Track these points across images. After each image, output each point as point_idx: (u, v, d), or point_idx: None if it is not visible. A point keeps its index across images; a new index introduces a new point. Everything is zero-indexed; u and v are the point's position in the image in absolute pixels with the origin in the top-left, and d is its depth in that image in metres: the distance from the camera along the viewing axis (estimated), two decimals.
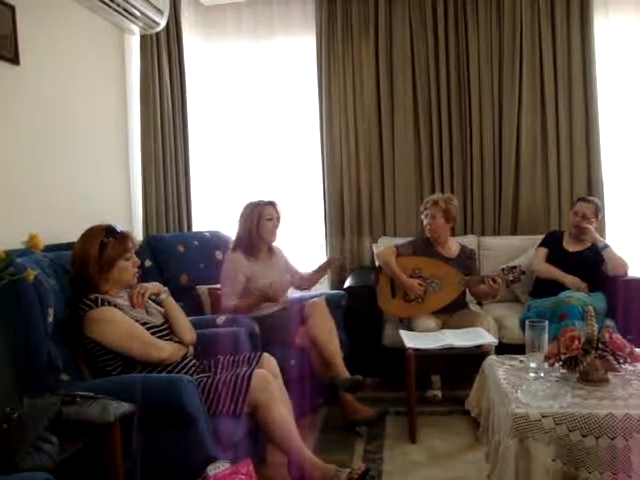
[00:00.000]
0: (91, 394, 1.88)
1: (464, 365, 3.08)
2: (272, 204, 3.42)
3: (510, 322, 3.66)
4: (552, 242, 3.87)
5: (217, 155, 4.78)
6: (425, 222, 3.74)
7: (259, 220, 3.36)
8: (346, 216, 4.59)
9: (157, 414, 2.03)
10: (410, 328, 3.49)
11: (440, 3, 4.40)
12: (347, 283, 4.01)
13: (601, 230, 4.26)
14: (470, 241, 4.19)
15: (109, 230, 2.41)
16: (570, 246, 3.81)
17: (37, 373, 2.11)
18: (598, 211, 3.81)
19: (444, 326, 3.49)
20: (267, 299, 3.25)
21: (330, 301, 3.48)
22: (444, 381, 3.57)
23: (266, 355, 2.61)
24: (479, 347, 3.10)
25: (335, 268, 4.28)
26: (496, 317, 3.70)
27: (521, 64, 4.37)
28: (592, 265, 3.68)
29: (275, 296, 3.24)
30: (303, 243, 4.78)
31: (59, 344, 2.24)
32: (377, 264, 3.94)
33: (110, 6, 3.18)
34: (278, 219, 3.43)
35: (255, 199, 3.47)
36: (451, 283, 3.56)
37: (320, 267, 3.63)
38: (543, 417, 1.87)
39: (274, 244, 3.52)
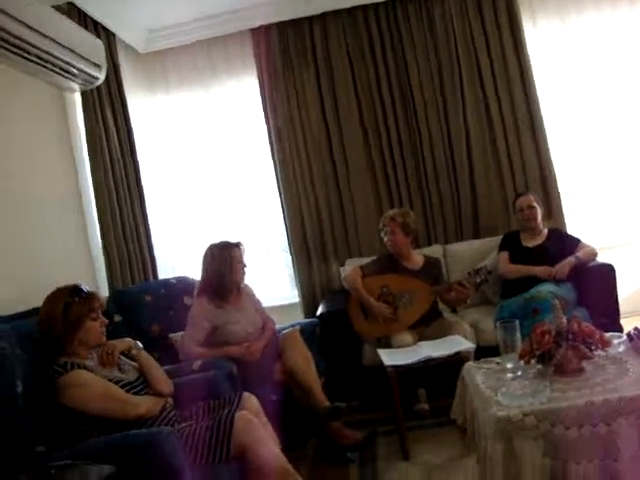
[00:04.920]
0: (69, 462, 1.83)
1: (446, 374, 3.08)
2: (239, 245, 3.36)
3: (485, 325, 3.69)
4: (511, 243, 3.95)
5: (176, 201, 4.77)
6: (386, 239, 3.76)
7: (232, 263, 3.27)
8: (310, 243, 4.60)
9: (141, 472, 1.98)
10: (388, 346, 3.49)
11: (373, 25, 4.51)
12: (320, 310, 4.00)
13: (560, 218, 4.38)
14: (435, 250, 4.24)
15: (74, 290, 2.37)
16: (529, 242, 3.89)
17: (9, 450, 2.04)
18: (537, 198, 3.96)
19: (421, 338, 3.48)
20: (241, 358, 3.15)
21: (304, 330, 3.47)
22: (430, 393, 3.57)
23: (246, 394, 2.57)
24: (458, 354, 3.10)
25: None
26: (471, 322, 3.73)
27: (460, 73, 4.49)
28: (554, 255, 3.75)
29: (251, 358, 3.17)
30: (272, 276, 4.79)
31: (31, 415, 2.18)
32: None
33: (45, 67, 3.16)
34: (244, 260, 3.38)
35: (218, 241, 3.38)
36: (421, 295, 3.58)
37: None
38: (525, 416, 1.88)
39: (243, 283, 3.46)
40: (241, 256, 3.33)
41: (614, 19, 4.49)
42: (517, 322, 2.26)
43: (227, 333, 3.24)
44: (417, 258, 3.81)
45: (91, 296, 2.40)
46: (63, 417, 2.23)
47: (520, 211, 3.92)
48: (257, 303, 3.52)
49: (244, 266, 3.36)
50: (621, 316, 3.68)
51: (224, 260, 3.27)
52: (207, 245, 3.40)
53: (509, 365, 2.21)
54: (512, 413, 1.89)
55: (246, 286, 3.51)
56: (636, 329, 2.37)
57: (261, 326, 3.41)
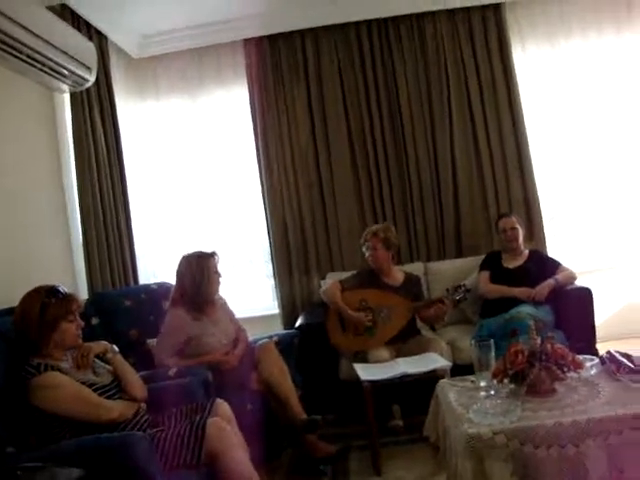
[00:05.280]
0: (39, 464, 1.82)
1: (421, 391, 3.09)
2: (214, 255, 3.32)
3: (463, 343, 3.70)
4: (492, 263, 3.99)
5: (160, 207, 4.76)
6: (367, 254, 3.78)
7: (208, 274, 3.23)
8: (292, 255, 4.61)
9: (112, 475, 1.97)
10: (365, 360, 3.50)
11: (365, 42, 4.57)
12: (299, 321, 4.01)
13: (542, 242, 4.43)
14: (416, 268, 4.26)
15: (51, 291, 2.36)
16: (509, 263, 3.94)
17: None
18: (520, 220, 4.01)
19: (398, 355, 3.49)
20: (217, 366, 3.11)
21: (283, 341, 3.47)
22: (405, 410, 3.57)
23: (219, 401, 2.56)
24: (434, 372, 3.11)
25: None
26: (449, 340, 3.75)
27: (449, 94, 4.56)
28: (534, 276, 3.79)
29: (227, 365, 3.16)
30: (253, 286, 4.79)
31: (2, 415, 2.16)
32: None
33: (35, 66, 3.15)
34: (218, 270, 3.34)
35: (192, 251, 3.32)
36: (399, 311, 3.60)
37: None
38: (495, 434, 1.90)
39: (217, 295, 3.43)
40: (216, 266, 3.30)
41: (600, 46, 4.60)
42: (492, 341, 2.29)
43: (201, 344, 3.20)
44: (397, 274, 3.83)
45: (68, 298, 2.38)
46: (34, 418, 2.21)
47: (502, 232, 3.96)
48: (231, 314, 3.50)
49: (219, 276, 3.33)
50: (598, 341, 3.72)
51: (200, 270, 3.22)
52: (181, 255, 3.34)
53: (482, 383, 2.23)
54: (482, 431, 1.91)
55: (220, 297, 3.47)
56: (609, 352, 2.41)
57: (234, 337, 3.38)
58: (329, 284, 3.90)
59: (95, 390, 2.30)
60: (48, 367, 2.24)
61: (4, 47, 2.81)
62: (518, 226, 3.94)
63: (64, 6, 3.57)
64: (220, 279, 3.33)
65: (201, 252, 3.31)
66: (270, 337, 3.51)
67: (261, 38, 4.58)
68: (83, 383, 2.28)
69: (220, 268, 3.34)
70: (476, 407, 2.05)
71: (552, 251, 4.41)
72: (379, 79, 4.57)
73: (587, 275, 4.16)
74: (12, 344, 2.33)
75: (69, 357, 2.39)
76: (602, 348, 3.45)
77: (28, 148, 3.39)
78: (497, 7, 4.51)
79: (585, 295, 3.69)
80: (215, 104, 4.76)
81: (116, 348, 2.56)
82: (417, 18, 4.56)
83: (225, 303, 3.51)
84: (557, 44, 4.60)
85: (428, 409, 2.62)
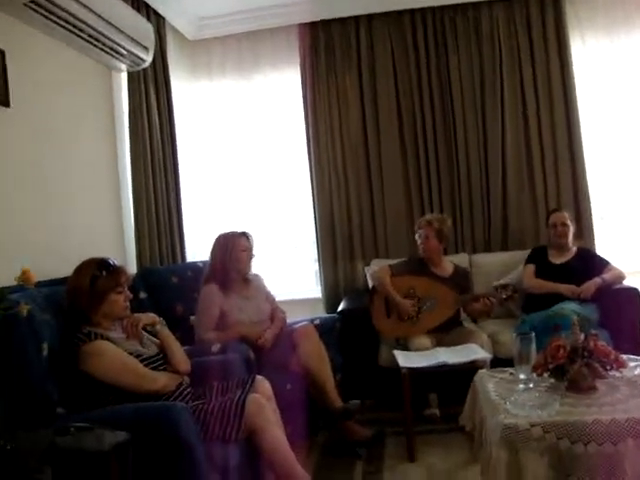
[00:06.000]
0: (86, 425, 1.90)
1: (459, 382, 3.09)
2: (245, 235, 3.43)
3: (504, 337, 3.68)
4: (538, 258, 3.94)
5: (209, 187, 4.84)
6: (419, 242, 3.79)
7: (232, 251, 3.34)
8: (338, 241, 4.63)
9: (153, 443, 2.04)
10: (406, 348, 3.52)
11: (420, 30, 4.53)
12: (341, 306, 4.04)
13: (590, 239, 4.35)
14: (461, 259, 4.23)
15: (102, 263, 2.44)
16: (556, 259, 3.88)
17: (33, 408, 2.13)
18: (571, 216, 3.95)
19: (439, 344, 3.50)
20: (251, 344, 3.16)
21: (324, 325, 3.51)
22: (441, 399, 3.59)
23: (259, 378, 2.62)
24: (473, 363, 3.11)
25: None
26: (490, 333, 3.73)
27: (502, 86, 4.48)
28: (580, 274, 3.73)
29: (262, 345, 3.20)
30: (298, 269, 4.85)
31: (54, 377, 2.27)
32: (371, 285, 3.97)
33: (97, 46, 3.25)
34: (251, 250, 3.42)
35: (227, 230, 3.47)
36: (445, 302, 3.60)
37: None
38: (532, 426, 1.90)
39: (253, 274, 3.51)
40: (246, 245, 3.39)
41: None
42: (533, 335, 2.26)
43: (233, 320, 3.27)
44: (447, 265, 3.83)
45: (118, 270, 2.46)
46: (83, 383, 2.30)
47: (553, 227, 3.90)
48: (267, 293, 3.56)
49: (250, 255, 3.41)
50: None
51: (226, 248, 3.35)
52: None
53: (522, 376, 2.22)
54: (519, 422, 1.91)
55: (256, 277, 3.56)
56: None
57: (269, 316, 3.43)
58: (379, 268, 3.91)
59: (141, 361, 2.38)
60: (98, 335, 2.33)
61: (68, 26, 2.93)
62: (569, 222, 3.88)
63: None
64: (252, 258, 3.42)
65: (233, 231, 3.44)
66: (312, 320, 3.55)
67: (315, 23, 4.59)
68: (130, 353, 2.37)
69: (255, 248, 3.45)
70: (514, 398, 2.05)
71: (601, 250, 4.31)
72: (432, 68, 4.53)
73: (637, 276, 4.06)
74: (65, 312, 2.43)
75: (118, 327, 2.48)
76: None
77: (87, 123, 3.49)
78: None
79: (632, 295, 3.62)
80: (268, 87, 4.80)
81: (164, 321, 2.65)
82: (473, 7, 4.49)
83: (262, 283, 3.58)
84: (617, 38, 4.46)
85: (465, 400, 2.63)
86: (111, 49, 3.35)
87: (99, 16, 3.05)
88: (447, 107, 4.55)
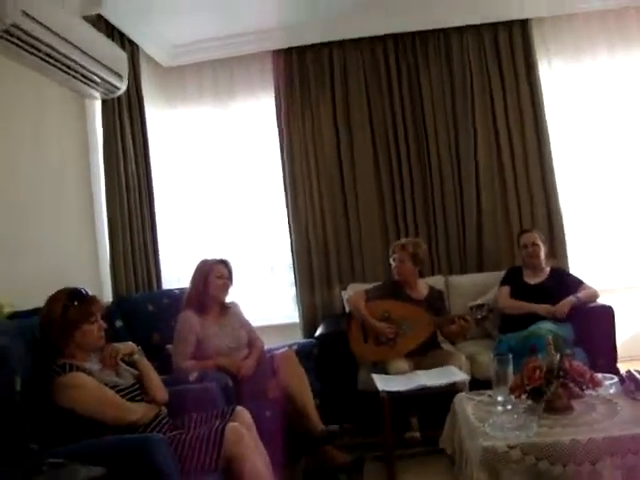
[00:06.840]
0: (60, 461, 1.86)
1: (439, 404, 3.10)
2: (224, 262, 3.43)
3: (482, 358, 3.68)
4: (513, 278, 3.98)
5: (185, 213, 4.84)
6: (393, 265, 3.80)
7: (207, 278, 3.34)
8: (314, 265, 4.64)
9: (130, 476, 2.00)
10: (384, 371, 3.51)
11: (392, 56, 4.62)
12: (318, 331, 4.03)
13: (564, 260, 4.41)
14: (437, 281, 4.26)
15: (73, 293, 2.41)
16: (531, 279, 3.92)
17: (4, 444, 2.07)
18: (542, 236, 4.00)
19: (417, 367, 3.49)
20: (232, 373, 3.14)
21: (302, 350, 3.50)
22: (422, 422, 3.57)
23: (239, 408, 2.59)
24: (453, 385, 3.12)
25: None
26: (468, 354, 3.74)
27: (474, 109, 4.58)
28: (555, 293, 3.77)
29: (240, 374, 3.18)
30: (274, 294, 4.84)
31: (27, 412, 2.22)
32: (348, 310, 3.97)
33: (69, 74, 3.23)
34: (229, 278, 3.41)
35: (208, 257, 3.47)
36: (421, 325, 3.61)
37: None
38: (510, 448, 1.91)
39: (230, 301, 3.49)
40: (222, 272, 3.38)
41: (627, 63, 4.58)
42: (510, 356, 2.29)
43: (210, 347, 3.24)
44: (422, 288, 3.85)
45: (90, 300, 2.43)
46: (57, 417, 2.25)
47: (524, 247, 3.96)
48: (243, 321, 3.53)
49: (226, 283, 3.40)
50: (619, 360, 3.69)
51: (202, 274, 3.36)
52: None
53: (500, 398, 2.23)
54: (498, 444, 1.92)
55: (234, 305, 3.54)
56: (629, 372, 2.40)
57: (246, 342, 3.42)
58: (354, 293, 3.92)
59: (118, 392, 2.35)
60: (73, 367, 2.29)
61: (41, 55, 2.91)
62: (540, 242, 3.93)
63: (99, 16, 3.66)
64: (229, 286, 3.41)
65: (212, 258, 3.45)
66: (290, 346, 3.54)
67: (289, 49, 4.65)
68: (106, 384, 2.33)
69: (234, 276, 3.44)
70: (492, 421, 2.06)
71: (574, 269, 4.38)
72: (404, 93, 4.61)
73: (610, 294, 4.11)
74: (39, 343, 2.38)
75: (93, 358, 2.44)
76: (623, 367, 3.42)
77: (60, 151, 3.48)
78: (524, 23, 4.53)
79: (607, 313, 3.66)
80: (242, 113, 4.84)
81: (141, 350, 2.62)
82: (444, 33, 4.60)
83: (239, 310, 3.56)
84: (584, 61, 4.60)
85: (445, 422, 2.63)
86: (84, 77, 3.33)
87: (73, 45, 3.04)
88: (420, 131, 4.62)
